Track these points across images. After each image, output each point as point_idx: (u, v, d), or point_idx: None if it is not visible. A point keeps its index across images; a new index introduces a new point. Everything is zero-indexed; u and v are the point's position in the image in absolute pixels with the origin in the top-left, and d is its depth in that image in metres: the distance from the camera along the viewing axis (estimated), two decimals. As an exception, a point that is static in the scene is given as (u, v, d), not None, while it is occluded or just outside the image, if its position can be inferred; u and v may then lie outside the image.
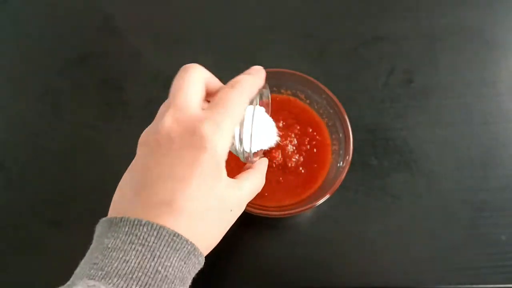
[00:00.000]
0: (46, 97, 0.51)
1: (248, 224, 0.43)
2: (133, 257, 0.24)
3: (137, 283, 0.24)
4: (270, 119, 0.39)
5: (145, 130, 0.30)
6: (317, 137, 0.43)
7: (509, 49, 0.51)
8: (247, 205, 0.37)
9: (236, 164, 0.39)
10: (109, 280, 0.23)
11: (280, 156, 0.41)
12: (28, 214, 0.45)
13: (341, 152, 0.40)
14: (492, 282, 0.41)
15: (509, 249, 0.42)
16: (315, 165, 0.41)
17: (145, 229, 0.25)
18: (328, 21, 0.54)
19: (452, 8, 0.54)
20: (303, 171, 0.41)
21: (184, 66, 0.32)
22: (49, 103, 0.50)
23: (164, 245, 0.25)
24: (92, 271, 0.24)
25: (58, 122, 0.50)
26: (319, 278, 0.42)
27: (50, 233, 0.45)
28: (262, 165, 0.34)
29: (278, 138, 0.41)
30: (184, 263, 0.26)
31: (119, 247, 0.25)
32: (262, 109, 0.36)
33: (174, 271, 0.25)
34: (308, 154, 0.42)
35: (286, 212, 0.38)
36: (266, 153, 0.41)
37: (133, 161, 0.29)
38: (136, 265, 0.24)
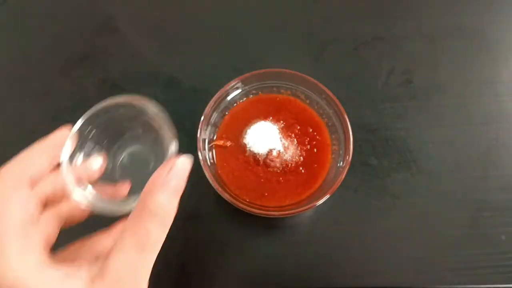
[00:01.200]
0: (46, 97, 0.51)
1: (249, 224, 0.43)
2: None
3: None
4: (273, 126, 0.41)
5: None
6: (317, 137, 0.43)
7: (509, 49, 0.51)
8: (247, 205, 0.38)
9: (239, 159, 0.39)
10: None
11: (279, 157, 0.41)
12: (28, 214, 0.45)
13: (341, 152, 0.40)
14: (492, 282, 0.41)
15: (509, 249, 0.42)
16: (315, 165, 0.41)
17: None
18: (328, 21, 0.54)
19: (452, 8, 0.54)
20: (303, 171, 0.41)
21: None
22: (49, 103, 0.50)
23: None
24: None
25: (58, 122, 0.49)
26: (319, 278, 0.41)
27: (50, 233, 0.45)
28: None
29: (281, 142, 0.41)
30: None
31: None
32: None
33: None
34: (308, 154, 0.42)
35: (286, 212, 0.38)
36: (268, 154, 0.41)
37: None
38: None
